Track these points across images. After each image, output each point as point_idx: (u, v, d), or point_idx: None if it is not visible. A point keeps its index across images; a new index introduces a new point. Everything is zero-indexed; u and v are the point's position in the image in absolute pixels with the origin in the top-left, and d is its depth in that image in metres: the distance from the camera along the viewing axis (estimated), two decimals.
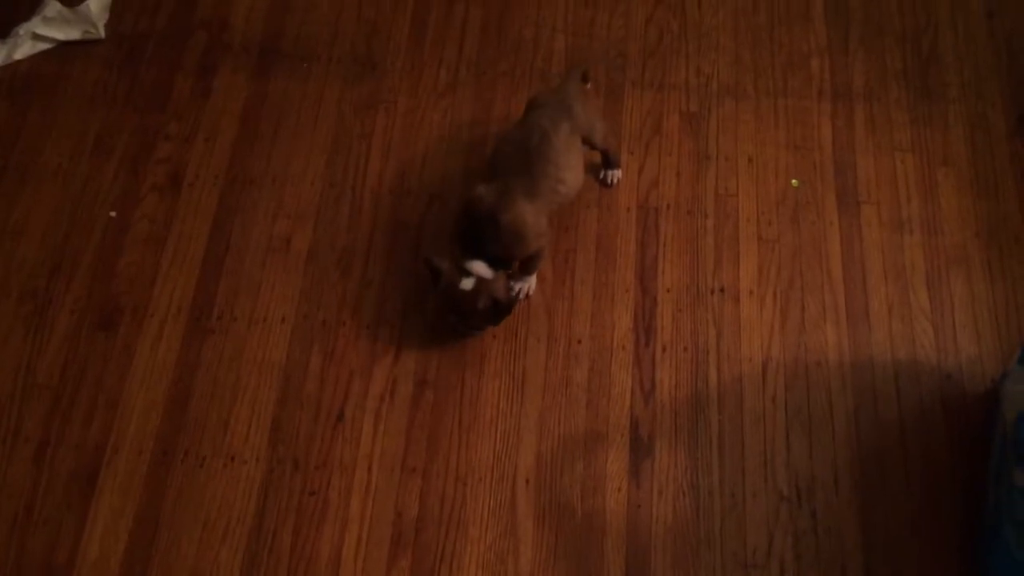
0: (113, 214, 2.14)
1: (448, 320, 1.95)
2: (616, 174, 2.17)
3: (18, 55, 2.35)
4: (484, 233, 1.88)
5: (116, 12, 2.42)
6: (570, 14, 2.42)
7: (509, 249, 1.91)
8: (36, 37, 2.35)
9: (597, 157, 2.15)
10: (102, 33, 2.38)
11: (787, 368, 1.97)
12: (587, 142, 2.06)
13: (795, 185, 2.17)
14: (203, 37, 2.39)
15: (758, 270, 2.07)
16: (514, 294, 2.01)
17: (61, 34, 2.36)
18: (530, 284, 2.04)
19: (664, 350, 1.99)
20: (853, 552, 1.80)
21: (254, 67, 2.34)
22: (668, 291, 2.05)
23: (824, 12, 2.41)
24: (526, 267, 2.01)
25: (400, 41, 2.38)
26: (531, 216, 1.91)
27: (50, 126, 2.26)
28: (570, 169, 1.98)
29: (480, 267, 1.90)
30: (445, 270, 1.91)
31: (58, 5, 2.37)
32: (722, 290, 2.05)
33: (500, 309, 1.92)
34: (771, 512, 1.83)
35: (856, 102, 2.28)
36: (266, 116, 2.27)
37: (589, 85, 2.24)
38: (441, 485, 1.85)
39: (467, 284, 1.89)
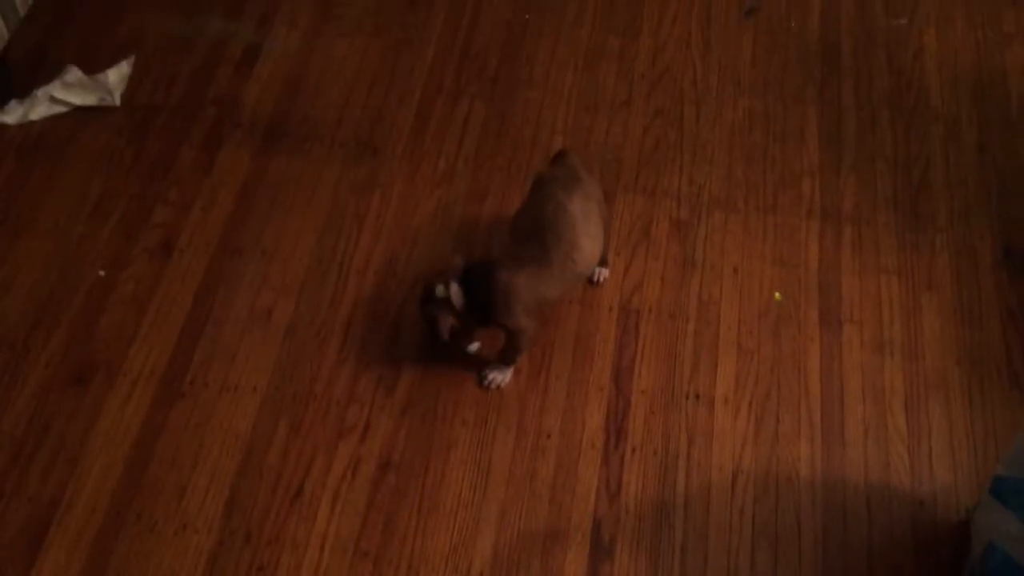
0: (102, 273, 2.16)
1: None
2: (603, 272, 2.18)
3: (33, 116, 2.43)
4: (477, 283, 1.91)
5: (134, 83, 2.51)
6: (571, 118, 2.48)
7: (492, 307, 1.91)
8: (53, 100, 2.44)
9: None
10: (117, 101, 2.46)
11: (757, 480, 1.93)
12: None
13: (778, 299, 2.17)
14: (213, 112, 2.46)
15: (735, 379, 2.06)
16: (486, 382, 2.01)
17: (78, 99, 2.44)
18: (505, 376, 2.03)
19: (634, 452, 1.96)
20: None
21: (258, 144, 2.40)
22: (643, 393, 2.03)
23: (818, 135, 2.45)
24: (505, 355, 2.01)
25: (403, 130, 2.44)
26: (524, 290, 1.90)
27: (53, 185, 2.32)
28: (588, 236, 1.95)
29: (455, 291, 1.92)
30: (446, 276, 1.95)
31: (79, 72, 2.47)
32: (697, 396, 2.03)
33: (433, 330, 1.94)
34: None
35: (844, 224, 2.29)
36: (264, 191, 2.32)
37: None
38: (392, 572, 1.80)
39: (440, 291, 1.92)
